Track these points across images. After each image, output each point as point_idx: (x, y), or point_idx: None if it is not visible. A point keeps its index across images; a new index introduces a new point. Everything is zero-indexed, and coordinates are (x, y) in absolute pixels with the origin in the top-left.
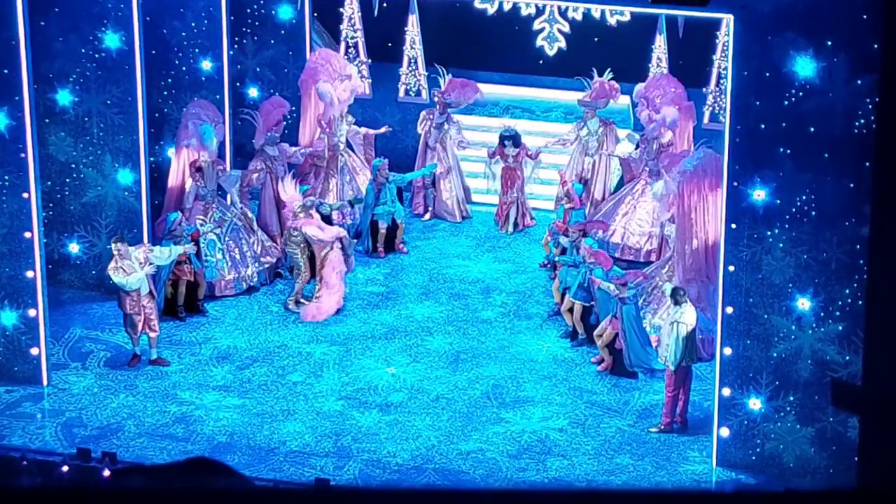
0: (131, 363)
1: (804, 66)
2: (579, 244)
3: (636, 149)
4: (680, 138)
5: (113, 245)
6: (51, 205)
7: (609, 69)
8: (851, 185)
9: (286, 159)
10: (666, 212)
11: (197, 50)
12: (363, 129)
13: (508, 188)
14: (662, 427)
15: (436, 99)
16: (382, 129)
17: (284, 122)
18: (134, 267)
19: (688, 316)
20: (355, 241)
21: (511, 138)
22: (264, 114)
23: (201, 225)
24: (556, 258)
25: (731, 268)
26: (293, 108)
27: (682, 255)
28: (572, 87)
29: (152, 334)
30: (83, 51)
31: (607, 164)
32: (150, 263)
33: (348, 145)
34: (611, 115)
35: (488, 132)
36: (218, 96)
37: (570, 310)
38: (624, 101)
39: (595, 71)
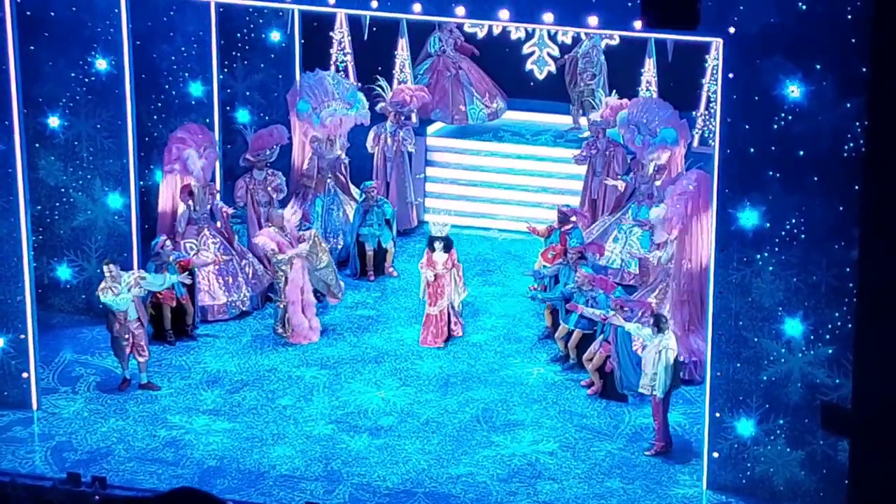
0: (121, 388)
1: (793, 90)
2: (577, 268)
3: (628, 173)
4: (672, 160)
5: (105, 267)
6: (40, 229)
7: (614, 90)
8: (840, 208)
9: (269, 187)
10: (667, 234)
11: (186, 74)
12: (344, 158)
13: (438, 298)
14: (658, 450)
15: (386, 112)
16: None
17: (274, 151)
18: (122, 290)
19: (672, 342)
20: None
21: (442, 241)
22: (255, 137)
23: (191, 250)
24: (541, 295)
25: (720, 291)
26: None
27: (677, 277)
28: (562, 111)
29: (141, 359)
30: (73, 75)
31: (610, 187)
32: (139, 286)
33: (339, 169)
34: None
35: (476, 155)
36: (208, 120)
37: (564, 337)
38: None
39: (603, 93)
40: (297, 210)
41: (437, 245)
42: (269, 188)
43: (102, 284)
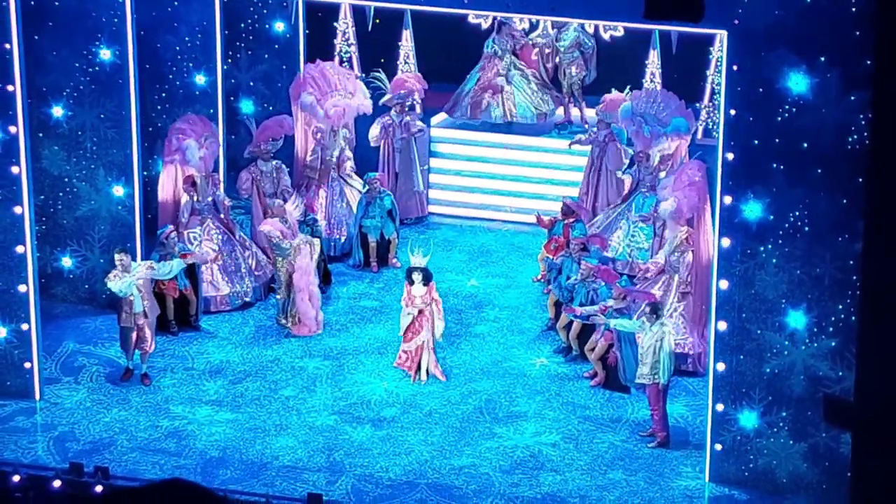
0: (123, 378)
1: (797, 82)
2: (580, 260)
3: (631, 166)
4: (678, 150)
5: (116, 256)
6: (44, 219)
7: (629, 86)
8: (844, 201)
9: (274, 181)
10: (679, 226)
11: (191, 64)
12: (347, 151)
13: (415, 333)
14: (660, 441)
15: (391, 103)
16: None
17: (278, 142)
18: (128, 278)
19: (670, 327)
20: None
21: (421, 272)
22: (262, 127)
23: (195, 239)
24: (556, 291)
25: (724, 283)
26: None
27: (690, 270)
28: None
29: (142, 350)
30: (77, 65)
31: (608, 178)
32: (146, 274)
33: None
34: None
35: (480, 146)
36: (212, 111)
37: (566, 327)
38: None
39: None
40: (300, 204)
41: (416, 276)
42: (280, 187)
43: (112, 272)
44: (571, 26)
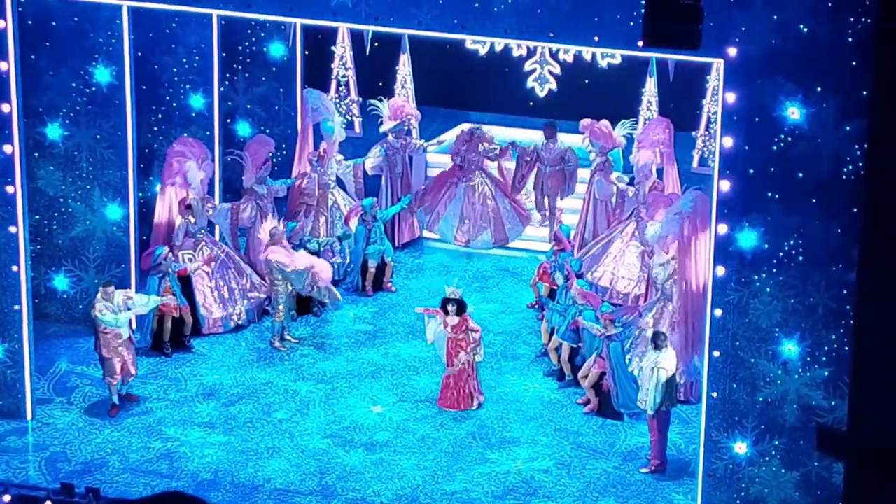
0: (111, 413)
1: (793, 112)
2: (570, 287)
3: (629, 184)
4: (666, 182)
5: (102, 289)
6: (38, 239)
7: (633, 120)
8: (839, 231)
9: (272, 195)
10: (664, 254)
11: (188, 86)
12: (349, 162)
13: (454, 358)
14: (653, 468)
15: (391, 133)
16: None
17: (272, 161)
18: (115, 310)
19: (667, 361)
20: (343, 279)
21: (455, 303)
22: (252, 153)
23: (190, 261)
24: (547, 301)
25: (718, 312)
26: (283, 145)
27: (680, 299)
28: (564, 129)
29: (130, 377)
30: (73, 85)
31: (597, 205)
32: (129, 309)
33: (339, 183)
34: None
35: None
36: (208, 133)
37: (557, 349)
38: (621, 142)
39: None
40: (277, 223)
41: (451, 308)
42: (275, 195)
43: (97, 306)
44: (560, 140)
